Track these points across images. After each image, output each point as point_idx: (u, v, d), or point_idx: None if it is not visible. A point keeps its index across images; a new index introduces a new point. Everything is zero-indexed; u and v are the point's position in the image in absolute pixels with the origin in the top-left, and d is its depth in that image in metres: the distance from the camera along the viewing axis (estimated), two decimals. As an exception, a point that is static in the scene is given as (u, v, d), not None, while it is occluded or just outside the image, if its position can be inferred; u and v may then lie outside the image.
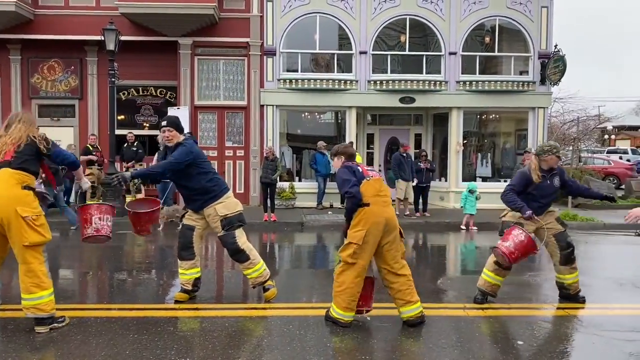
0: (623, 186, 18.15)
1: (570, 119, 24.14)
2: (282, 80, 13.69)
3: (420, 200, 12.56)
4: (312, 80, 13.63)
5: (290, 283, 6.49)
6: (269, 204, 11.49)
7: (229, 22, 13.63)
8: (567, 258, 5.31)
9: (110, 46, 11.60)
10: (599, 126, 31.64)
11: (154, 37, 13.47)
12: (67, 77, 14.27)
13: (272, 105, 13.83)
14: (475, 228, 11.05)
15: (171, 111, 13.63)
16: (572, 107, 25.17)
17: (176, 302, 5.31)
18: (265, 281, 5.37)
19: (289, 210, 13.18)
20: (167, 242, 9.38)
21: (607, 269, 7.41)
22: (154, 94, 14.48)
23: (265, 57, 13.74)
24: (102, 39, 11.65)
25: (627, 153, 31.38)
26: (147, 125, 14.50)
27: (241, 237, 5.24)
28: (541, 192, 5.28)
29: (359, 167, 4.70)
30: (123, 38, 12.19)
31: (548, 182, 5.31)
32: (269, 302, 5.32)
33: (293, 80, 13.63)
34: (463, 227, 11.11)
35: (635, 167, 22.74)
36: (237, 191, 13.86)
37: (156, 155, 12.34)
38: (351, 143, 13.15)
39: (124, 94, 14.28)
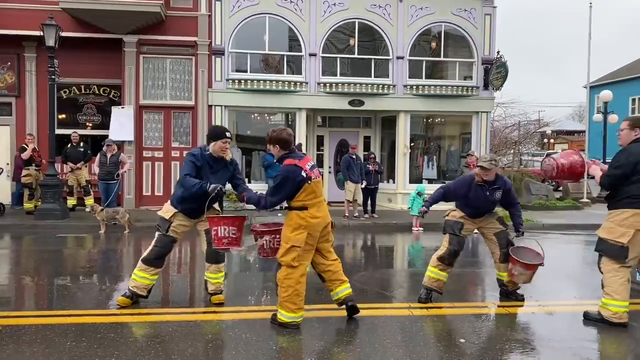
0: (561, 188, 18.98)
1: (512, 123, 25.07)
2: (230, 81, 13.54)
3: (369, 202, 12.70)
4: (261, 81, 13.56)
5: (238, 286, 6.42)
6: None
7: (176, 20, 13.35)
8: (507, 256, 5.51)
9: (50, 42, 11.12)
10: (538, 130, 32.96)
11: (97, 34, 13.01)
12: (4, 73, 13.59)
13: (221, 106, 13.65)
14: (422, 229, 11.28)
15: (115, 110, 13.26)
16: (514, 111, 26.15)
17: (119, 307, 5.14)
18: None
19: (237, 212, 13.00)
20: (110, 246, 9.08)
21: (544, 267, 7.70)
22: (97, 92, 13.98)
23: (213, 56, 13.55)
24: (42, 34, 11.17)
25: (565, 156, 32.93)
26: (90, 124, 14.01)
27: None
28: (474, 201, 5.45)
29: (303, 171, 4.49)
30: (64, 34, 11.69)
31: (487, 193, 5.42)
32: (217, 305, 5.25)
33: (242, 81, 13.50)
34: (414, 228, 11.32)
35: (571, 169, 23.82)
36: (185, 193, 13.58)
37: (98, 156, 11.94)
38: (300, 145, 13.20)
39: (65, 92, 13.73)
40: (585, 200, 16.31)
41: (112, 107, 13.41)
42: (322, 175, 4.86)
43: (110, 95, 14.00)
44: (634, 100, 36.11)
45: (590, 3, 16.06)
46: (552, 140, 45.13)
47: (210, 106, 13.60)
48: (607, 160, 18.04)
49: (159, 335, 4.40)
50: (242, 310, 5.16)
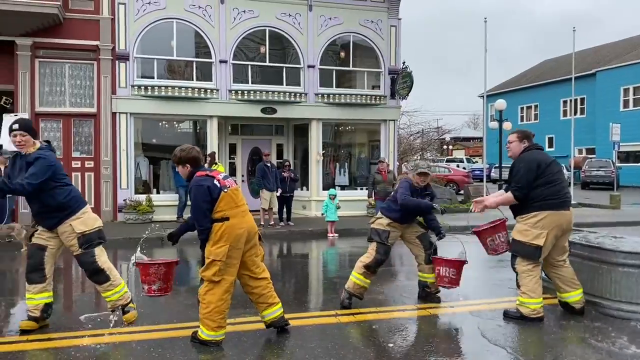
0: (462, 191, 20.08)
1: (416, 131, 26.22)
2: (136, 87, 12.94)
3: (284, 210, 12.66)
4: (169, 88, 13.08)
5: (152, 304, 6.08)
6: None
7: (76, 23, 12.54)
8: (430, 257, 5.69)
9: None
10: (439, 137, 34.78)
11: (-16, 35, 11.93)
12: None
13: (126, 113, 12.99)
14: (337, 235, 11.41)
15: (7, 118, 12.17)
16: (417, 120, 27.40)
17: (22, 332, 4.67)
18: (127, 304, 4.94)
19: (146, 224, 12.43)
20: (4, 266, 8.28)
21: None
22: (-15, 98, 12.80)
23: (117, 61, 12.88)
24: None
25: (463, 162, 35.05)
26: (-23, 133, 12.74)
27: (101, 256, 4.79)
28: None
29: (215, 180, 4.37)
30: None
31: (420, 198, 5.69)
32: (129, 325, 4.91)
33: (149, 87, 12.95)
34: (330, 234, 11.41)
35: (470, 174, 25.36)
36: (88, 206, 12.75)
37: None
38: (213, 153, 12.91)
39: (-55, 97, 12.43)
40: (484, 202, 17.33)
41: (3, 114, 12.29)
42: (237, 184, 4.64)
43: (0, 101, 12.84)
44: (522, 108, 39.25)
45: (485, 18, 17.18)
46: (450, 147, 47.86)
47: (114, 114, 12.91)
48: (503, 165, 19.40)
49: (72, 362, 4.05)
50: (161, 329, 4.89)
